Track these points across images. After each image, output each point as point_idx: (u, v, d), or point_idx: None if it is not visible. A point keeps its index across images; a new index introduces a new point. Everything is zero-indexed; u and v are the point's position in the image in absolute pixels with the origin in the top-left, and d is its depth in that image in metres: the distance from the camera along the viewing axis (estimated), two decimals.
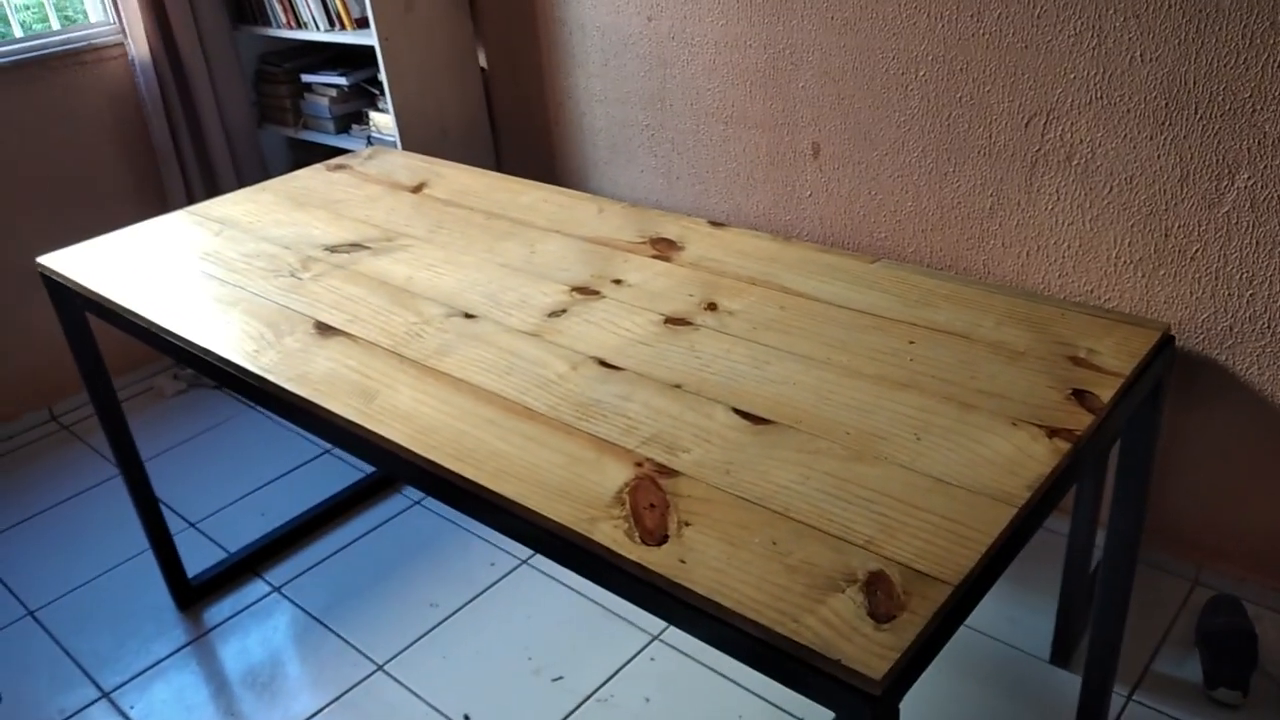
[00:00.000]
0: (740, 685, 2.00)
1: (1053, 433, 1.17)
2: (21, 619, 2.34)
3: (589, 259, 1.74)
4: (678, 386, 1.34)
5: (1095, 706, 1.70)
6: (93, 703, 2.09)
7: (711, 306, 1.54)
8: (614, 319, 1.53)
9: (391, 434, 1.28)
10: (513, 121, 3.06)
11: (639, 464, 1.19)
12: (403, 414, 1.32)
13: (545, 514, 1.12)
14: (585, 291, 1.62)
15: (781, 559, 1.02)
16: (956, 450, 1.16)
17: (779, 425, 1.23)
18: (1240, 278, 1.86)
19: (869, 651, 0.90)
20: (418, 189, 2.14)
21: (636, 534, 1.07)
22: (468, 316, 1.57)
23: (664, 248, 1.76)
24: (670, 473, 1.17)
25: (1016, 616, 2.11)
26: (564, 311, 1.56)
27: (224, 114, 3.19)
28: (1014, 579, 2.21)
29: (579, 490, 1.15)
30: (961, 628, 2.09)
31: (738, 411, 1.27)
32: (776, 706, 1.94)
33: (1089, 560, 1.92)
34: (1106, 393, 1.24)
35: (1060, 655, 1.98)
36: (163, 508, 2.68)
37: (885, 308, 1.49)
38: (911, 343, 1.39)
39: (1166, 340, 1.37)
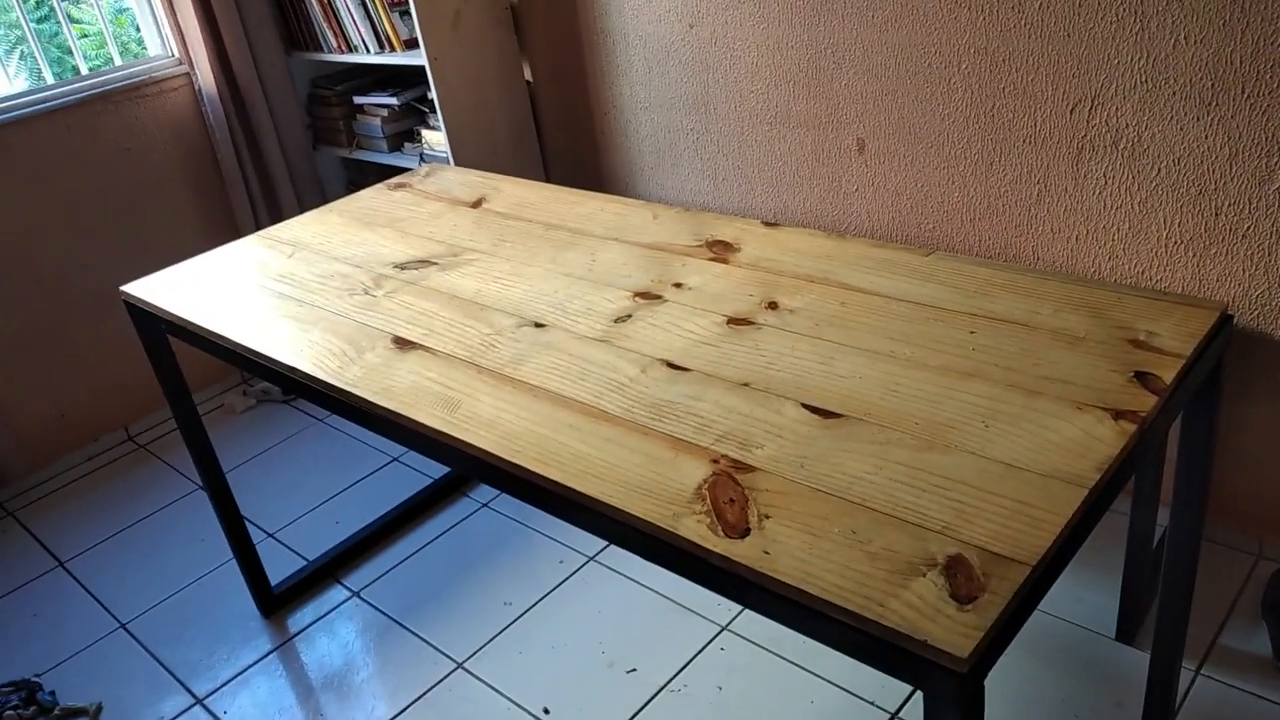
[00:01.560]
0: (810, 671, 2.05)
1: (1118, 415, 1.21)
2: (114, 631, 2.45)
3: (648, 264, 1.80)
4: (746, 385, 1.39)
5: (1164, 681, 1.73)
6: (188, 709, 2.19)
7: (772, 305, 1.59)
8: (678, 322, 1.59)
9: (479, 441, 1.35)
10: (560, 132, 3.12)
11: (715, 460, 1.25)
12: (486, 421, 1.39)
13: (631, 511, 1.18)
14: (648, 296, 1.68)
15: (862, 547, 1.07)
16: (1025, 436, 1.20)
17: (848, 418, 1.28)
18: None
19: (954, 632, 0.94)
20: (477, 204, 2.22)
21: (719, 528, 1.13)
22: (538, 326, 1.64)
23: (720, 250, 1.81)
24: (746, 468, 1.22)
25: (1081, 595, 2.14)
26: (629, 317, 1.62)
27: (282, 138, 3.30)
28: (1077, 558, 2.24)
29: (660, 488, 1.21)
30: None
31: (807, 406, 1.32)
32: (847, 691, 1.99)
33: (1151, 538, 1.95)
34: (1168, 374, 1.27)
35: (1126, 632, 2.01)
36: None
37: (944, 299, 1.53)
38: (973, 333, 1.43)
39: (1225, 320, 1.40)
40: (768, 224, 1.88)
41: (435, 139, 3.00)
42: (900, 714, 1.94)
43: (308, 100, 3.42)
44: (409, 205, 2.27)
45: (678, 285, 1.71)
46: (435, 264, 1.93)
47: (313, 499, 2.84)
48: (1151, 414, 1.21)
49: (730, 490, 1.19)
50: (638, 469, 1.25)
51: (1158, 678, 1.74)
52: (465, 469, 1.39)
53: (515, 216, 2.11)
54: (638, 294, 1.70)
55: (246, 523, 2.77)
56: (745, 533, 1.12)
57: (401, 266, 1.95)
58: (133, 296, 2.02)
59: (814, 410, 1.31)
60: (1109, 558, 2.23)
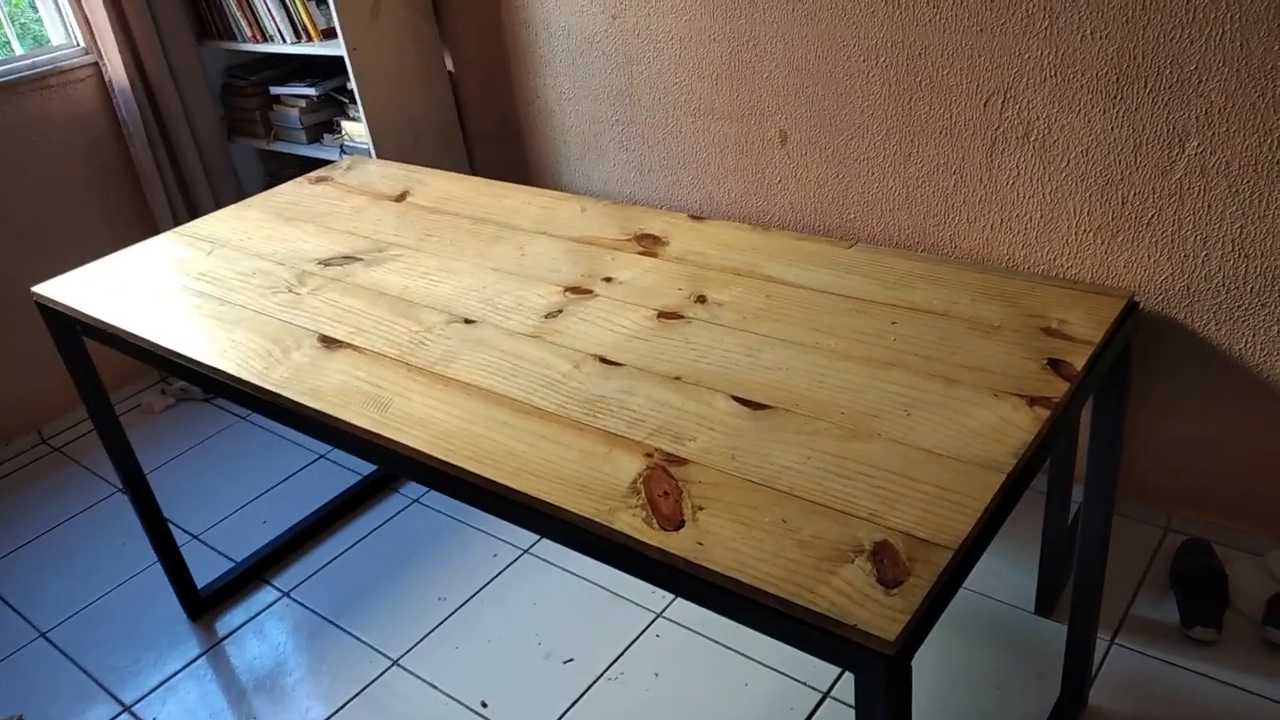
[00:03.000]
0: (743, 654, 2.09)
1: (1032, 401, 1.26)
2: (34, 641, 2.38)
3: (577, 258, 1.81)
4: (677, 378, 1.41)
5: (1081, 651, 1.81)
6: (115, 716, 2.14)
7: (701, 299, 1.62)
8: (608, 316, 1.60)
9: (411, 440, 1.35)
10: (483, 124, 3.10)
11: (649, 454, 1.27)
12: (418, 420, 1.39)
13: (567, 507, 1.19)
14: (578, 291, 1.69)
15: (792, 535, 1.10)
16: (945, 423, 1.24)
17: (777, 410, 1.32)
18: (1194, 240, 1.97)
19: (881, 615, 0.98)
20: (401, 198, 2.19)
21: (655, 521, 1.15)
22: (467, 322, 1.64)
23: (649, 243, 1.83)
24: (679, 461, 1.25)
25: (1001, 571, 2.22)
26: (560, 312, 1.63)
27: (195, 131, 3.21)
28: (1000, 538, 2.32)
29: (595, 483, 1.22)
30: None
31: (736, 399, 1.35)
32: (779, 672, 2.04)
33: (1066, 514, 2.03)
34: (1079, 360, 1.33)
35: (1044, 606, 2.09)
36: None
37: (866, 291, 1.57)
38: (894, 323, 1.47)
39: (1131, 306, 1.46)
40: (694, 217, 1.90)
41: (356, 130, 2.96)
42: (832, 693, 2.00)
43: (221, 91, 3.33)
44: (331, 199, 2.24)
45: (608, 279, 1.72)
46: (360, 260, 1.91)
47: (238, 499, 2.79)
48: (1064, 399, 1.26)
49: (664, 483, 1.21)
50: (572, 465, 1.26)
51: (1074, 648, 1.82)
52: (398, 469, 1.39)
53: (441, 210, 2.10)
54: (568, 288, 1.71)
55: (170, 525, 2.71)
56: (680, 525, 1.14)
57: (325, 263, 1.92)
58: (44, 297, 1.96)
59: (744, 402, 1.34)
60: (1027, 534, 2.31)
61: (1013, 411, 1.25)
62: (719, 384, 1.39)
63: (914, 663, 2.04)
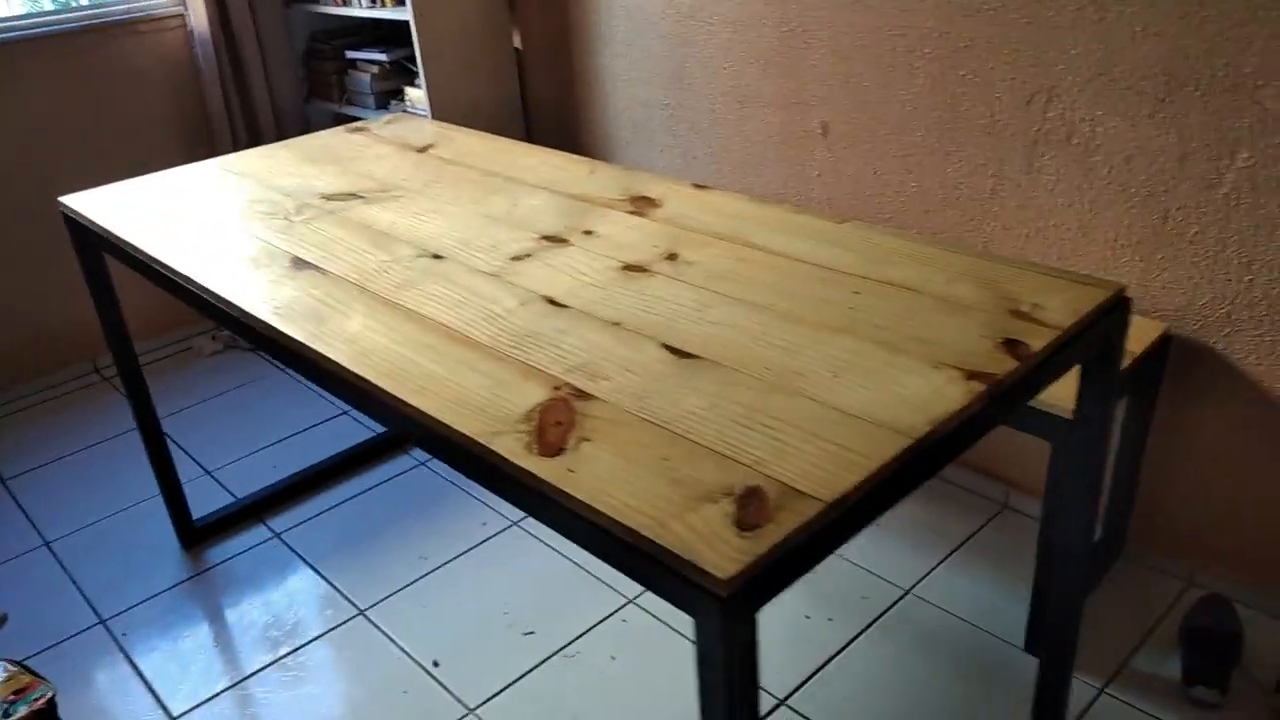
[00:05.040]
0: None
1: (971, 375, 1.16)
2: (37, 548, 2.45)
3: (567, 212, 1.77)
4: (617, 324, 1.36)
5: (1053, 691, 1.66)
6: (89, 628, 2.18)
7: (672, 257, 1.55)
8: (573, 264, 1.55)
9: (332, 353, 1.33)
10: (543, 102, 3.11)
11: (557, 388, 1.21)
12: (348, 338, 1.37)
13: (454, 426, 1.14)
14: (554, 240, 1.65)
15: (668, 474, 1.03)
16: (871, 388, 1.15)
17: (704, 360, 1.24)
18: (1238, 262, 1.80)
19: (724, 555, 0.90)
20: (424, 149, 2.20)
21: (535, 447, 1.09)
22: (436, 258, 1.61)
23: (642, 204, 1.78)
24: (586, 397, 1.19)
25: (997, 605, 2.07)
26: (528, 256, 1.59)
27: (273, 87, 3.31)
28: (997, 568, 2.17)
29: (494, 408, 1.17)
30: (943, 613, 2.06)
31: (667, 347, 1.28)
32: None
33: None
34: (1038, 343, 1.22)
35: (1034, 644, 1.93)
36: (184, 456, 2.79)
37: (843, 263, 1.48)
38: (857, 293, 1.38)
39: (1120, 301, 1.34)
40: (698, 186, 1.84)
41: (417, 96, 3.00)
42: (789, 701, 1.89)
43: (305, 53, 3.43)
44: (359, 146, 2.26)
45: (587, 232, 1.68)
46: (361, 198, 1.92)
47: (256, 443, 2.84)
48: (1007, 378, 1.16)
49: (561, 415, 1.15)
50: (480, 391, 1.22)
51: (1045, 686, 1.67)
52: (323, 383, 1.37)
53: (456, 163, 2.09)
54: (544, 237, 1.67)
55: (188, 459, 2.77)
56: (558, 452, 1.08)
57: (329, 198, 1.93)
58: (69, 208, 2.03)
59: (673, 350, 1.27)
60: (1028, 570, 2.15)
61: (946, 384, 1.15)
62: (656, 332, 1.32)
63: (890, 683, 1.91)
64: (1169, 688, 1.85)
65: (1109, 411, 1.42)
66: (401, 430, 1.25)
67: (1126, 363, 1.83)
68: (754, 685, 0.96)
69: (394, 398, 1.22)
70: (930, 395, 1.13)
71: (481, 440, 1.11)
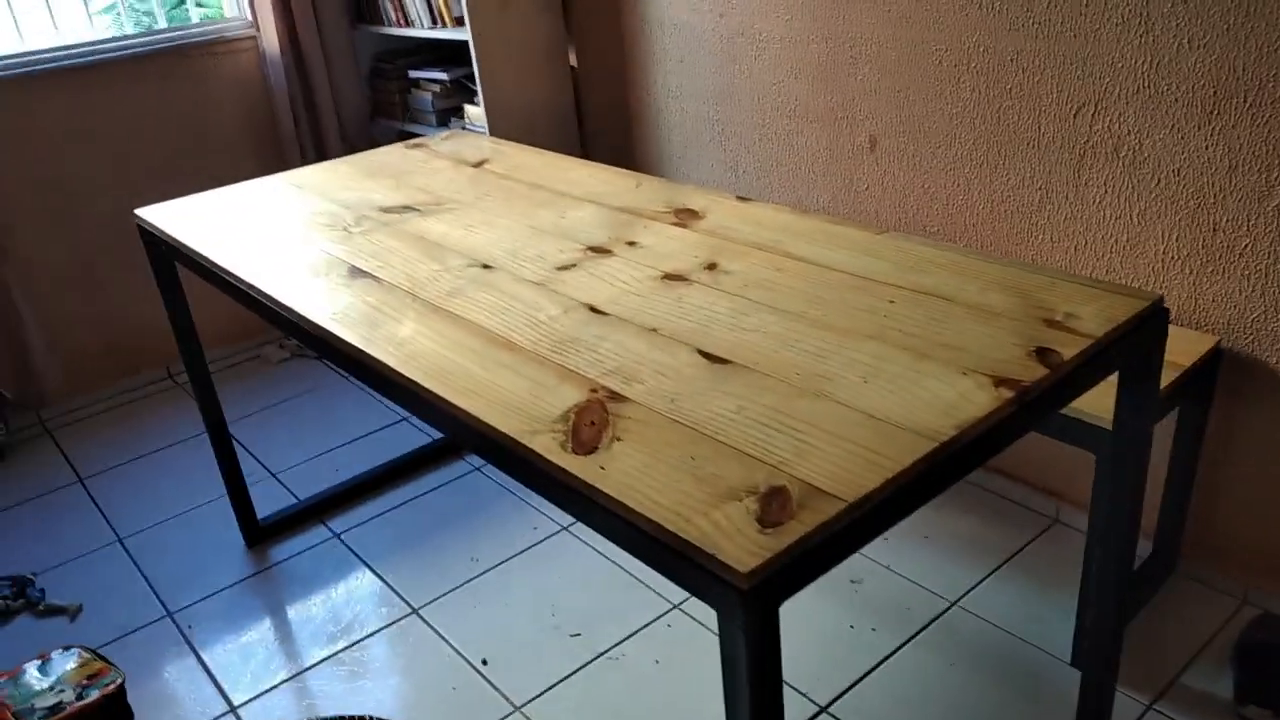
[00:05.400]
0: None
1: (1000, 382, 1.18)
2: (111, 544, 2.57)
3: (612, 224, 1.82)
4: (654, 330, 1.40)
5: (1095, 704, 1.65)
6: (157, 620, 2.29)
7: (711, 267, 1.59)
8: (616, 273, 1.60)
9: (382, 355, 1.39)
10: (598, 118, 3.18)
11: (594, 390, 1.26)
12: (399, 342, 1.43)
13: (494, 425, 1.20)
14: (599, 250, 1.70)
15: (694, 471, 1.07)
16: (898, 393, 1.18)
17: (735, 365, 1.28)
18: None
19: (745, 549, 0.93)
20: (479, 164, 2.28)
21: (570, 445, 1.14)
22: (485, 267, 1.68)
23: (685, 216, 1.82)
24: (620, 399, 1.23)
25: (1045, 617, 2.06)
26: (573, 266, 1.65)
27: (339, 106, 3.44)
28: (1045, 582, 2.15)
29: (533, 409, 1.23)
30: (988, 626, 2.05)
31: (701, 352, 1.32)
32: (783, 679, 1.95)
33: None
34: (1070, 351, 1.23)
35: (1080, 658, 1.92)
36: (250, 458, 2.90)
37: (878, 272, 1.51)
38: (891, 302, 1.41)
39: (1157, 311, 1.34)
40: (741, 198, 1.88)
41: (476, 114, 3.09)
42: (830, 709, 1.90)
43: (370, 73, 3.55)
44: (417, 162, 2.34)
45: (631, 243, 1.73)
46: (417, 210, 2.00)
47: (319, 447, 2.94)
48: (1036, 385, 1.17)
49: (596, 415, 1.20)
50: (519, 392, 1.27)
51: (1087, 700, 1.66)
52: (374, 384, 1.44)
53: (508, 177, 2.16)
54: (590, 248, 1.72)
55: (254, 462, 2.88)
56: (592, 451, 1.12)
57: (385, 210, 2.01)
58: (144, 220, 2.14)
59: (706, 356, 1.31)
60: (1076, 584, 2.13)
61: (975, 389, 1.17)
62: (691, 338, 1.36)
63: (931, 693, 1.91)
64: (1220, 707, 1.82)
65: (1148, 423, 1.42)
66: (446, 429, 1.31)
67: (1176, 375, 1.82)
68: (777, 676, 0.99)
69: (439, 398, 1.28)
70: (957, 400, 1.15)
71: (519, 439, 1.16)
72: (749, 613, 0.93)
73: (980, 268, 1.49)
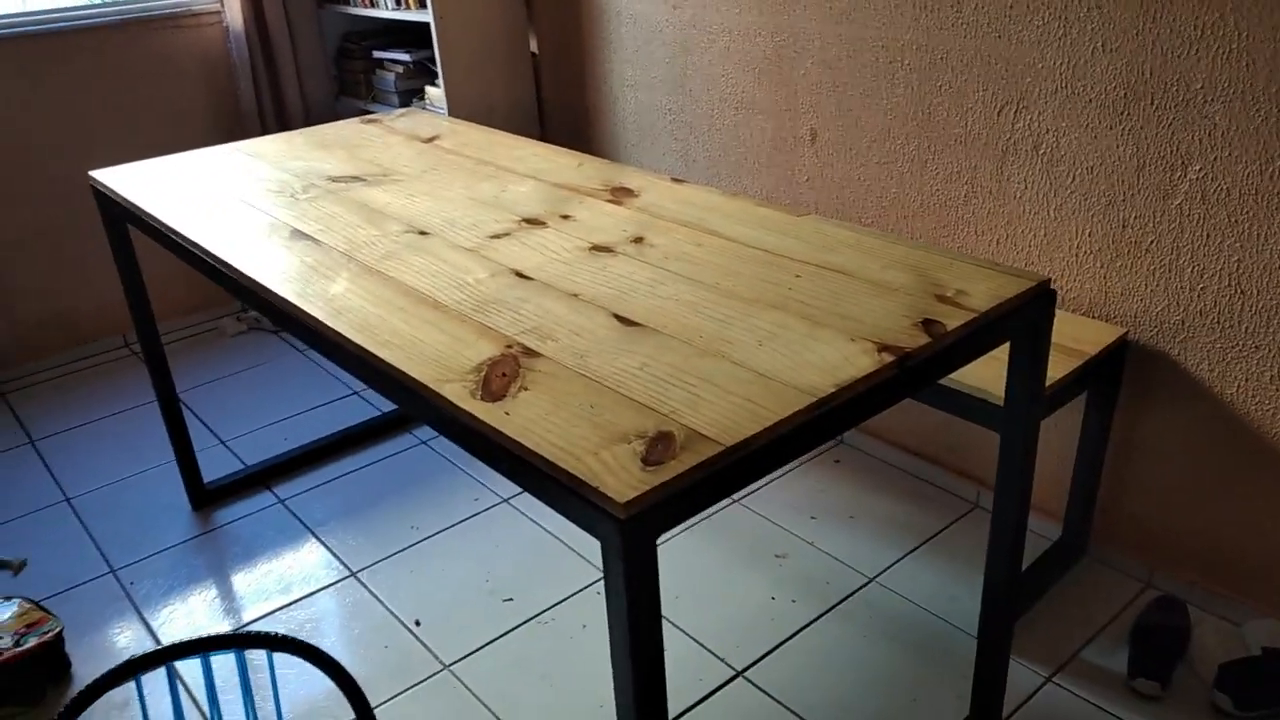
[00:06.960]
0: (676, 626, 2.09)
1: (884, 348, 1.26)
2: (58, 503, 2.62)
3: (550, 199, 1.89)
4: (574, 295, 1.47)
5: (989, 676, 1.74)
6: (100, 576, 2.33)
7: (638, 240, 1.67)
8: (546, 243, 1.67)
9: (313, 310, 1.46)
10: (558, 104, 3.25)
11: (509, 346, 1.33)
12: (329, 297, 1.50)
13: (410, 373, 1.26)
14: (533, 222, 1.78)
15: (591, 418, 1.14)
16: (789, 355, 1.25)
17: (645, 328, 1.35)
18: (1191, 271, 1.88)
19: (625, 484, 1.01)
20: (430, 140, 2.34)
21: (479, 394, 1.21)
22: (422, 234, 1.74)
23: (621, 194, 1.90)
24: (533, 354, 1.30)
25: (957, 595, 2.15)
26: (506, 235, 1.72)
27: (304, 84, 3.49)
28: (961, 561, 2.25)
29: (448, 361, 1.29)
30: (903, 601, 2.14)
31: (615, 316, 1.40)
32: (699, 643, 2.03)
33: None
34: (954, 323, 1.31)
35: None
36: (201, 426, 2.94)
37: (791, 249, 1.59)
38: (797, 276, 1.49)
39: (1044, 292, 1.43)
40: (676, 180, 1.96)
41: (437, 95, 3.15)
42: (746, 674, 1.98)
43: (338, 53, 3.60)
44: (370, 136, 2.40)
45: (565, 217, 1.80)
46: (363, 180, 2.06)
47: (270, 416, 2.99)
48: (918, 352, 1.25)
49: (507, 368, 1.27)
50: (439, 346, 1.34)
51: (982, 672, 1.75)
52: (304, 337, 1.50)
53: (456, 152, 2.23)
54: (525, 220, 1.79)
55: (205, 429, 2.93)
56: (499, 399, 1.20)
57: (334, 180, 2.07)
58: (98, 182, 2.19)
59: (620, 319, 1.39)
60: None
61: (859, 354, 1.25)
62: (608, 304, 1.44)
63: (844, 661, 2.00)
64: (1113, 680, 1.92)
65: (1037, 397, 1.51)
66: (368, 380, 1.37)
67: (1082, 363, 1.91)
68: (655, 606, 1.06)
69: (360, 348, 1.35)
70: (840, 363, 1.23)
71: (432, 385, 1.23)
72: (626, 541, 1.00)
73: (885, 248, 1.57)
